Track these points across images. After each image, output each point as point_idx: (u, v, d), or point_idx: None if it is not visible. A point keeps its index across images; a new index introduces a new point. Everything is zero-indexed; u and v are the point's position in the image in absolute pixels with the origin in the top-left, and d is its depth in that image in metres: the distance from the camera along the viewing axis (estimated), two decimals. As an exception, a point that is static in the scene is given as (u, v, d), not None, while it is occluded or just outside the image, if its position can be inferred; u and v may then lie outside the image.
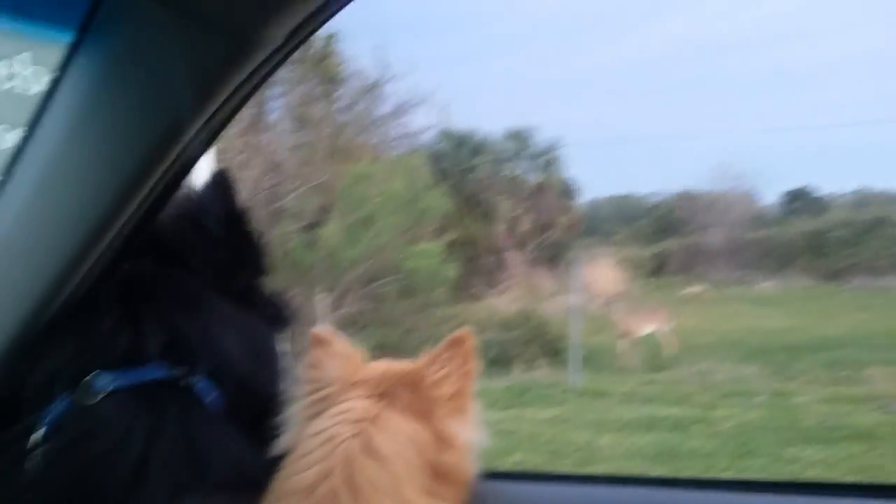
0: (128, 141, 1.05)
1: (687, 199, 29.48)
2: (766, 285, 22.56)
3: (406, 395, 1.18)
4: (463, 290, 17.50)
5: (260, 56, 1.00)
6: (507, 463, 7.35)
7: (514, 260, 21.68)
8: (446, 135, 24.32)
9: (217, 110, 1.05)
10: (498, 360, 13.10)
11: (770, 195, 34.47)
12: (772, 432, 8.31)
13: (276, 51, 1.02)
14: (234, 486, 1.22)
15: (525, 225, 23.13)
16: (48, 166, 1.11)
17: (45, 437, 1.22)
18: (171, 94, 1.01)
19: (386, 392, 1.19)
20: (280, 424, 1.45)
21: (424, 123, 25.40)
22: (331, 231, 13.28)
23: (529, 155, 25.23)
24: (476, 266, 21.12)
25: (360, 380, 1.22)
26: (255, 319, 1.48)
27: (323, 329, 1.31)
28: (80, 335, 1.29)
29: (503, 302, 16.87)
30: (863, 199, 32.91)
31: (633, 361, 13.04)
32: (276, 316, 1.57)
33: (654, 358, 13.27)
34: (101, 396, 1.21)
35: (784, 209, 31.17)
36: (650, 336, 13.75)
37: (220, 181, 1.49)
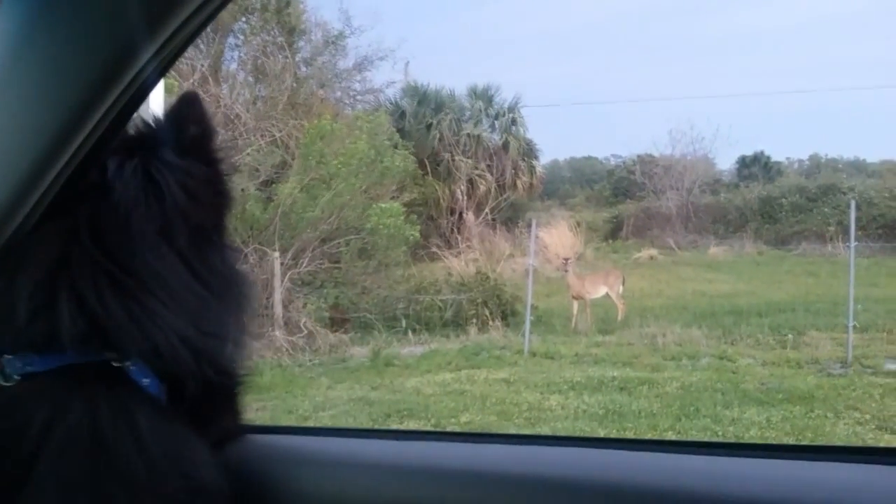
0: (68, 75, 0.96)
1: (645, 163, 29.74)
2: (718, 250, 23.00)
3: None
4: (420, 250, 17.54)
5: None
6: (457, 422, 7.50)
7: (472, 221, 21.74)
8: (408, 91, 24.11)
9: (168, 40, 0.94)
10: (453, 321, 13.25)
11: (726, 160, 35.00)
12: (714, 394, 8.57)
13: None
14: (148, 479, 1.16)
15: (484, 185, 23.16)
16: None
17: None
18: (116, 19, 0.91)
19: None
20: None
21: (387, 79, 25.06)
22: (289, 188, 13.16)
23: (491, 114, 25.14)
24: (434, 226, 21.15)
25: None
26: (219, 276, 1.34)
27: None
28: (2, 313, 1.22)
29: (460, 263, 16.95)
30: (815, 167, 33.64)
31: (585, 324, 13.27)
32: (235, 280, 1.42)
33: (605, 320, 13.52)
34: (14, 380, 1.16)
35: (739, 175, 31.66)
36: (602, 299, 13.99)
37: (189, 101, 1.36)
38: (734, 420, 7.63)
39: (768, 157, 32.07)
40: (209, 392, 1.28)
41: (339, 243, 13.98)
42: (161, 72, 1.02)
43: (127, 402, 1.18)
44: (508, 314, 13.56)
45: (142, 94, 1.04)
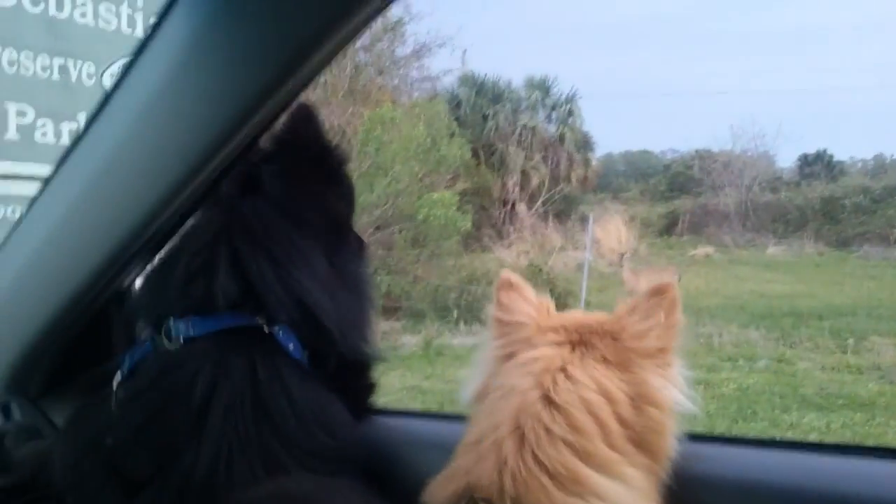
0: (229, 86, 1.03)
1: (703, 159, 29.22)
2: (776, 249, 22.51)
3: (603, 345, 1.11)
4: (473, 240, 17.52)
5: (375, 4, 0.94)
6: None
7: (525, 212, 21.64)
8: (466, 80, 24.05)
9: (324, 56, 1.00)
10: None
11: (787, 158, 34.19)
12: (772, 397, 8.40)
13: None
14: (301, 437, 1.25)
15: (538, 177, 23.01)
16: (147, 105, 1.10)
17: (124, 381, 1.31)
18: (278, 41, 0.96)
19: (581, 341, 1.12)
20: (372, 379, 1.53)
21: (445, 67, 25.03)
22: (346, 174, 13.21)
23: (548, 105, 24.95)
24: (487, 216, 21.11)
25: (556, 325, 1.16)
26: (348, 270, 1.48)
27: (511, 273, 1.26)
28: (163, 281, 1.34)
29: (512, 254, 16.88)
30: (880, 167, 32.59)
31: (639, 320, 13.06)
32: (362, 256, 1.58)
33: (660, 318, 13.31)
34: (178, 342, 1.27)
35: (800, 173, 30.89)
36: (657, 296, 13.76)
37: (305, 114, 1.50)
38: (792, 425, 7.47)
39: (831, 156, 31.26)
40: (345, 367, 1.40)
41: (392, 231, 14.03)
42: (307, 83, 1.09)
43: (279, 365, 1.29)
44: (561, 307, 13.43)
45: (290, 101, 1.12)
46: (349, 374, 1.42)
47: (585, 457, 1.00)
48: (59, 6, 4.04)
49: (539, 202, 22.56)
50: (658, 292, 1.13)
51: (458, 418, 1.46)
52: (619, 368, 1.08)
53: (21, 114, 3.99)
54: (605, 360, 1.09)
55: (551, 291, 13.22)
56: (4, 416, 1.56)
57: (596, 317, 1.19)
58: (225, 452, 1.20)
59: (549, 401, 1.03)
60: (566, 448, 0.99)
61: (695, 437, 1.15)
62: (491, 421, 1.05)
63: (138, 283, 1.41)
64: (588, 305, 12.40)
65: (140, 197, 1.16)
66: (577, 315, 1.22)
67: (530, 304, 1.21)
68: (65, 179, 1.26)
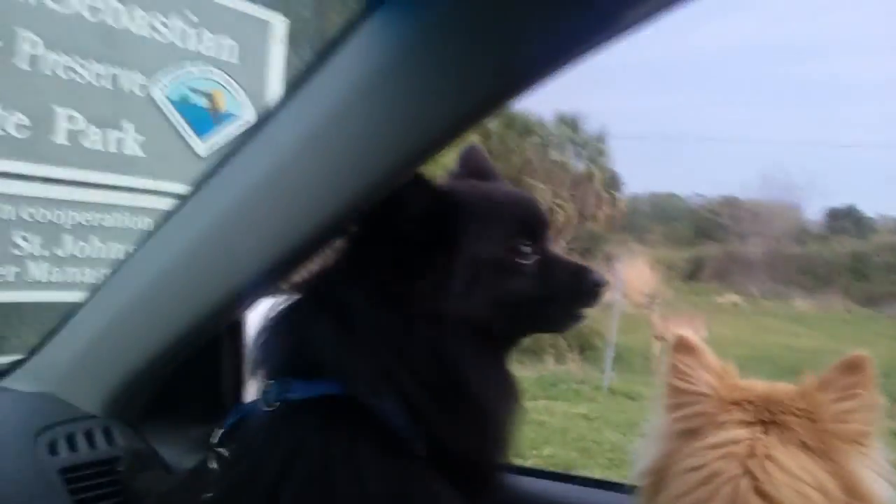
0: (400, 127, 0.97)
1: (730, 206, 29.03)
2: (803, 303, 22.18)
3: (801, 427, 1.00)
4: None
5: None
6: (539, 455, 7.27)
7: (551, 248, 21.53)
8: (497, 113, 24.10)
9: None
10: (530, 350, 12.99)
11: (815, 211, 33.89)
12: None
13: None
14: None
15: (565, 213, 22.88)
16: (308, 135, 1.03)
17: (221, 442, 1.24)
18: (460, 88, 0.91)
19: (774, 420, 1.02)
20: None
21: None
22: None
23: (577, 142, 24.89)
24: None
25: (741, 400, 1.06)
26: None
27: (689, 334, 1.15)
28: (273, 337, 1.23)
29: (537, 290, 16.73)
30: (908, 226, 32.22)
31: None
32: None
33: (686, 364, 13.07)
34: (273, 407, 1.17)
35: (828, 227, 30.58)
36: (684, 342, 13.54)
37: (476, 155, 1.41)
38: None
39: (859, 212, 30.94)
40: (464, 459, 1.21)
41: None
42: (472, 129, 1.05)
43: (360, 445, 1.13)
44: (586, 348, 13.25)
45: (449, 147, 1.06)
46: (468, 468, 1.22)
47: None
48: (116, 17, 4.10)
49: (565, 239, 22.40)
50: (854, 367, 1.05)
51: (616, 486, 1.33)
52: (820, 456, 0.98)
53: (72, 119, 3.99)
54: (804, 446, 0.98)
55: (578, 330, 13.02)
56: (107, 442, 1.47)
57: (783, 390, 1.08)
58: None
59: (762, 493, 0.93)
60: None
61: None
62: None
63: (252, 329, 1.30)
64: (616, 347, 12.19)
65: (279, 232, 1.09)
66: (760, 386, 1.10)
67: (711, 371, 1.10)
68: (204, 201, 1.20)
